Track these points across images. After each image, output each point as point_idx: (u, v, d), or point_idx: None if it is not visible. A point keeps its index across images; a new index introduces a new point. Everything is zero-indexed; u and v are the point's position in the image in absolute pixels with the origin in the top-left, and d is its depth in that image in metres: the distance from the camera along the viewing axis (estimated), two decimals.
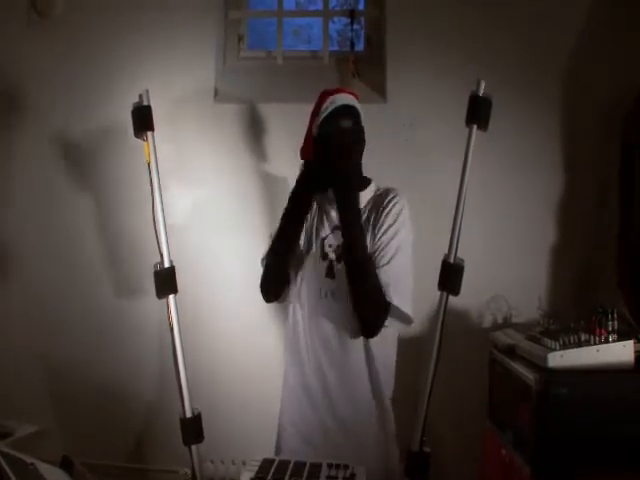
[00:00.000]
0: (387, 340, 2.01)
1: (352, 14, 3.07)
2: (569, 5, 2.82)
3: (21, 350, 3.07)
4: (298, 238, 2.02)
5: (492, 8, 2.85)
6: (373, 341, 1.96)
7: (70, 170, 3.07)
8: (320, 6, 3.23)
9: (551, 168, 2.83)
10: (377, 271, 1.89)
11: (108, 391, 3.04)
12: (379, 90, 2.93)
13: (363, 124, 2.05)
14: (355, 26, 3.08)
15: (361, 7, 3.20)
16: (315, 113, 2.03)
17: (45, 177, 3.08)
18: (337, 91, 2.04)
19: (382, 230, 1.94)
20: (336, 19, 3.33)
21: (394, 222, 1.94)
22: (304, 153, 2.10)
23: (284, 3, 3.20)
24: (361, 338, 1.96)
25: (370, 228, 1.96)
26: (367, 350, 1.99)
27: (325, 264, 2.00)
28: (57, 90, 3.06)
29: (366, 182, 2.07)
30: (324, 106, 1.99)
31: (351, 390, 1.99)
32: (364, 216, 1.98)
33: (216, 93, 3.04)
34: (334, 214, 2.01)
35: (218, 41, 3.11)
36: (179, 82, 3.00)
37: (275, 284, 2.07)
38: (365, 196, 2.03)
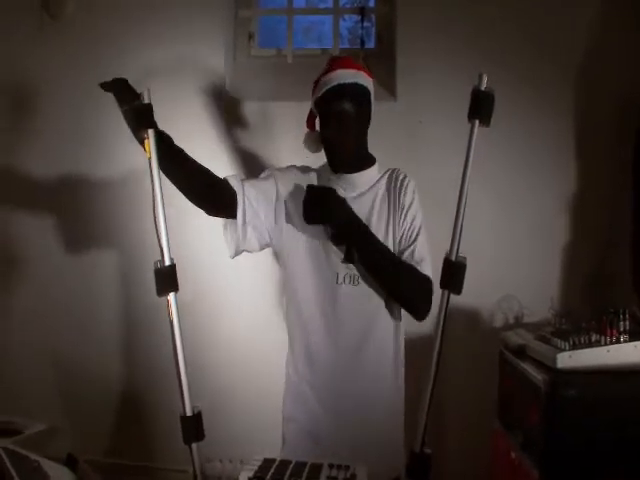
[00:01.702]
0: (401, 330, 2.01)
1: (362, 11, 3.06)
2: (581, 4, 2.80)
3: (31, 348, 3.09)
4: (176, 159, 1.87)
5: (503, 5, 2.83)
6: (399, 328, 1.99)
7: (81, 172, 3.09)
8: (330, 4, 3.22)
9: (563, 166, 2.81)
10: (408, 250, 1.93)
11: (118, 389, 3.07)
12: (389, 87, 2.92)
13: (372, 97, 2.01)
14: (366, 23, 3.06)
15: (371, 4, 3.19)
16: (316, 83, 1.99)
17: (56, 178, 3.08)
18: (336, 65, 1.96)
19: (404, 211, 1.96)
20: (346, 16, 3.32)
21: (412, 201, 1.97)
22: (307, 123, 2.11)
23: (294, 1, 3.20)
24: (391, 325, 1.97)
25: (392, 210, 1.97)
26: (396, 338, 1.99)
27: (340, 249, 1.94)
28: (68, 91, 3.07)
29: (371, 161, 2.05)
30: (320, 83, 1.95)
31: (372, 383, 1.95)
32: (379, 195, 1.99)
33: (226, 91, 3.04)
34: (342, 193, 1.95)
35: (228, 39, 3.11)
36: (189, 80, 3.00)
37: (195, 200, 1.95)
38: (370, 175, 2.03)
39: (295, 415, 2.03)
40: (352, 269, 1.93)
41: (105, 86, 1.73)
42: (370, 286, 1.93)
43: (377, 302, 1.95)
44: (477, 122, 1.48)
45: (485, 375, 2.65)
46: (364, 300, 1.94)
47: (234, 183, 1.98)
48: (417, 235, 1.95)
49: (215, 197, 1.97)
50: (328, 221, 1.89)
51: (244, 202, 1.96)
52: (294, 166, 2.15)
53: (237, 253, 2.02)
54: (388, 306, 1.96)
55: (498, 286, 2.80)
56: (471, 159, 1.46)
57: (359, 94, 1.95)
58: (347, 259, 1.92)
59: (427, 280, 1.92)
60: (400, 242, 1.96)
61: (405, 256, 1.93)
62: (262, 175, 2.11)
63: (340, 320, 1.94)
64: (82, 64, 3.03)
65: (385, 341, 1.97)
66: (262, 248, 2.07)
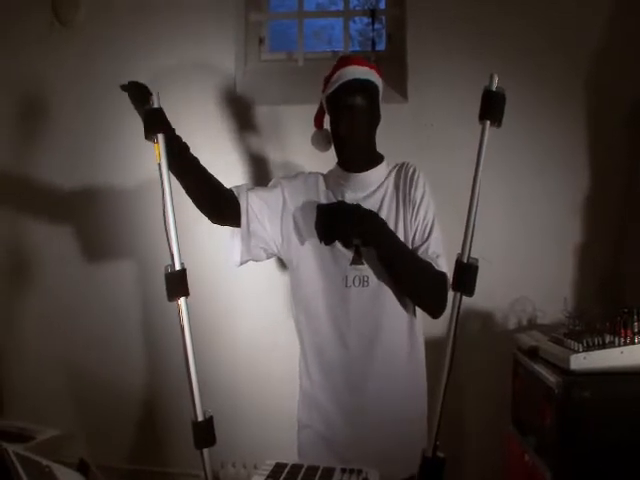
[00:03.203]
0: (419, 326, 2.00)
1: (373, 14, 3.05)
2: (591, 4, 2.78)
3: (46, 355, 3.12)
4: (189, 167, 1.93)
5: (514, 6, 2.81)
6: (414, 326, 1.97)
7: (94, 180, 3.11)
8: (341, 6, 3.21)
9: (575, 167, 2.79)
10: (422, 247, 1.92)
11: (131, 395, 3.08)
12: (400, 89, 2.91)
13: (381, 97, 2.01)
14: (376, 25, 3.05)
15: (382, 6, 3.18)
16: (327, 80, 1.99)
17: (69, 185, 3.11)
18: (349, 62, 1.97)
19: (416, 207, 1.95)
20: (357, 19, 3.31)
21: (423, 195, 1.96)
22: (316, 121, 2.12)
23: (305, 4, 3.19)
24: (404, 324, 1.95)
25: (401, 205, 1.96)
26: (411, 336, 1.97)
27: (349, 251, 1.92)
28: (79, 97, 3.10)
29: (379, 159, 2.05)
30: (332, 79, 1.94)
31: (389, 381, 1.93)
32: (388, 192, 1.98)
33: (237, 95, 3.04)
34: (349, 195, 1.96)
35: (239, 44, 3.11)
36: (200, 85, 3.02)
37: (202, 208, 1.99)
38: (379, 173, 2.02)
39: (310, 422, 2.02)
40: (361, 270, 1.92)
41: (123, 87, 1.81)
42: (380, 286, 1.92)
43: (388, 302, 1.93)
44: (488, 123, 1.47)
45: (498, 377, 2.63)
46: (375, 301, 1.92)
47: (239, 193, 2.00)
48: (430, 230, 1.94)
49: (220, 208, 2.00)
50: (345, 237, 1.84)
51: (248, 212, 1.98)
52: (302, 173, 2.15)
53: (242, 262, 2.03)
54: (402, 304, 1.95)
55: (511, 288, 2.78)
56: (482, 160, 1.45)
57: (371, 90, 1.96)
58: (355, 262, 1.92)
59: (443, 276, 1.91)
60: (414, 239, 1.95)
61: (420, 252, 1.92)
62: (270, 184, 2.12)
63: (351, 323, 1.92)
64: (93, 71, 3.07)
65: (398, 340, 1.95)
66: (268, 257, 2.08)
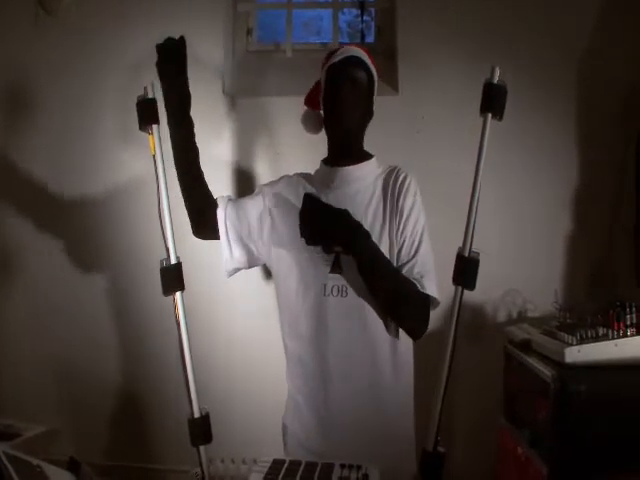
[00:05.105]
0: (405, 338, 1.91)
1: (362, 5, 3.03)
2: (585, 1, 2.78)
3: (33, 353, 3.07)
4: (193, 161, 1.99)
5: None
6: (397, 339, 1.89)
7: (81, 174, 3.05)
8: None
9: (568, 161, 2.79)
10: (408, 265, 1.83)
11: (120, 391, 3.04)
12: (390, 82, 2.88)
13: (375, 94, 1.97)
14: (365, 17, 3.03)
15: None
16: (330, 54, 1.95)
17: (56, 180, 3.06)
18: (353, 45, 1.95)
19: (404, 218, 1.85)
20: (346, 10, 3.28)
21: (413, 206, 1.86)
22: (309, 100, 2.08)
23: None
24: (385, 338, 1.86)
25: (387, 214, 1.87)
26: (393, 347, 1.88)
27: (329, 258, 1.85)
28: (65, 86, 3.04)
29: (368, 155, 1.99)
30: (337, 52, 1.91)
31: (366, 392, 1.87)
32: (375, 196, 1.90)
33: (225, 87, 3.01)
34: (332, 196, 1.89)
35: (227, 34, 3.07)
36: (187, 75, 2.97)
37: (193, 212, 2.00)
38: (368, 169, 1.96)
39: (290, 424, 2.00)
40: (340, 280, 1.84)
41: (158, 47, 1.88)
42: (359, 297, 1.84)
43: (368, 314, 1.85)
44: (490, 115, 1.46)
45: (489, 370, 2.64)
46: (353, 313, 1.84)
47: (219, 204, 2.01)
48: (418, 247, 1.85)
49: (205, 214, 2.00)
50: (330, 243, 1.79)
51: (226, 223, 1.98)
52: (285, 176, 2.10)
53: (229, 272, 2.04)
54: (383, 318, 1.86)
55: (502, 281, 2.77)
56: (484, 154, 1.44)
57: (370, 75, 1.93)
58: (334, 270, 1.85)
59: (426, 299, 1.83)
60: (399, 254, 1.86)
61: (405, 271, 1.83)
62: (254, 192, 2.10)
63: (329, 334, 1.85)
64: (79, 59, 3.01)
65: (378, 356, 1.87)
66: (252, 265, 2.07)
